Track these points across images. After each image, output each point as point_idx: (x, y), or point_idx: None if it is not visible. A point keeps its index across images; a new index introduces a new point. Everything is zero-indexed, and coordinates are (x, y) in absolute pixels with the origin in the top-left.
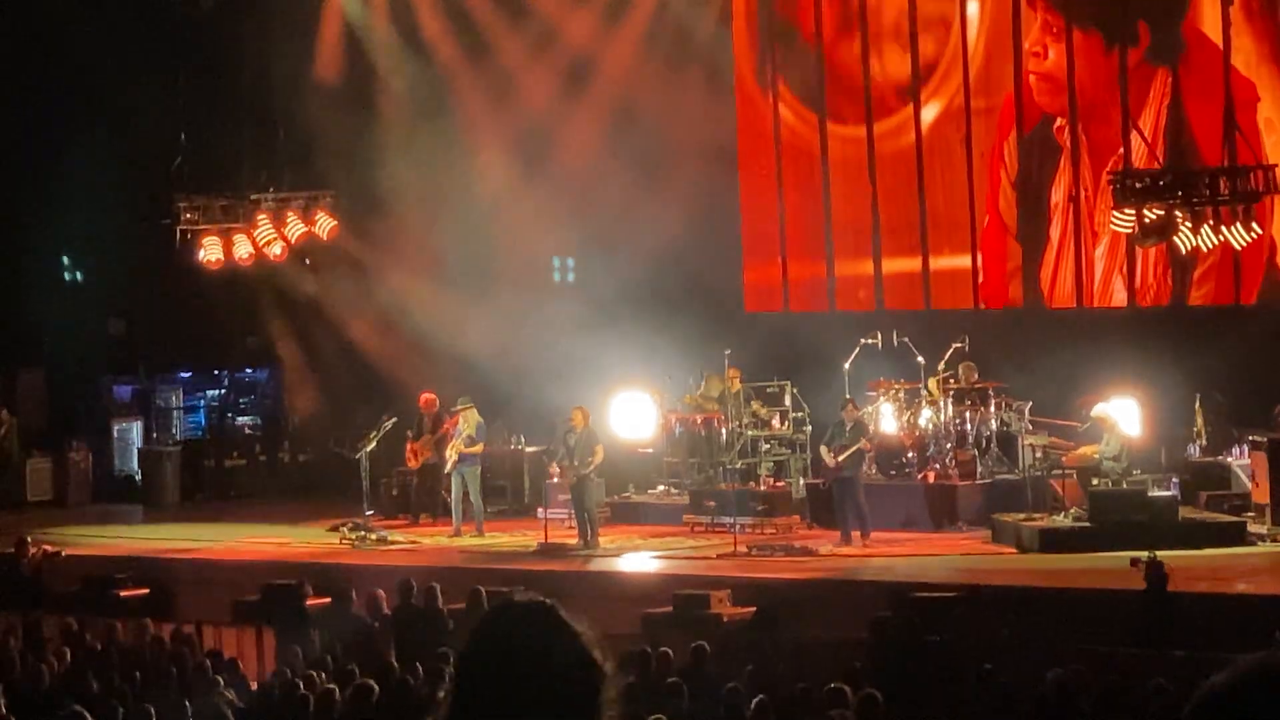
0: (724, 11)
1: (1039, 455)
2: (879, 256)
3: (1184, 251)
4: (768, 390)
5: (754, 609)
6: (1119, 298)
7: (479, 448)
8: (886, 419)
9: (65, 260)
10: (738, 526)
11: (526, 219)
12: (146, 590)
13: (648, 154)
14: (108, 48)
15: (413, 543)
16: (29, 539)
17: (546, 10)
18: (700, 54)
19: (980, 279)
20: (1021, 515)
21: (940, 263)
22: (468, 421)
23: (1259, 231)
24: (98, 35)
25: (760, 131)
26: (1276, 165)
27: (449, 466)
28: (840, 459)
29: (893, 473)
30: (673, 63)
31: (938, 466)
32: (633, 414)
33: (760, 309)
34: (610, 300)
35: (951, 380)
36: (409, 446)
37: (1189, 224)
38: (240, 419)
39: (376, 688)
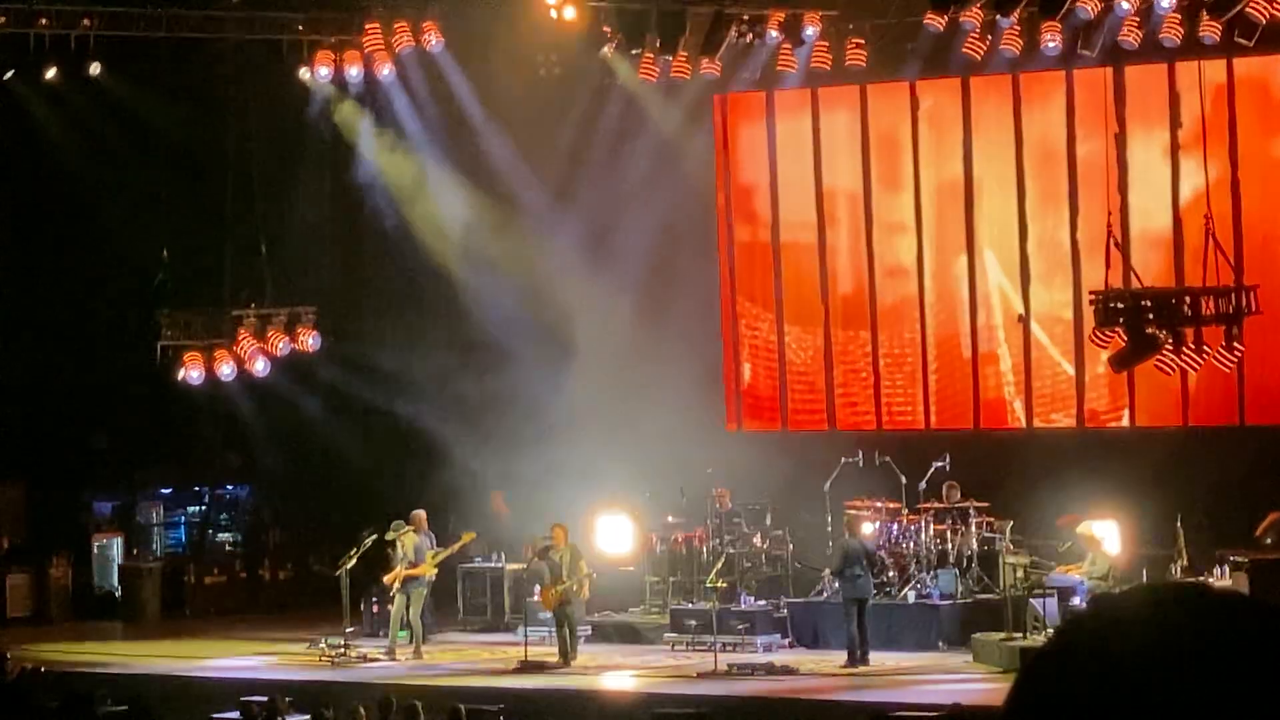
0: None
1: (1020, 575)
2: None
3: (1168, 374)
4: (750, 509)
5: None
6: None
7: (421, 569)
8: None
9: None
10: (719, 645)
11: (510, 335)
12: (126, 707)
13: (632, 270)
14: (90, 163)
15: (392, 660)
16: (8, 655)
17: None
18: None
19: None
20: (1002, 635)
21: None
22: (404, 546)
23: (1241, 352)
24: (81, 150)
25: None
26: (1258, 286)
27: (393, 591)
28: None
29: (874, 592)
30: (657, 182)
31: (918, 586)
32: (613, 532)
33: (741, 428)
34: (589, 418)
35: (934, 500)
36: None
37: (1170, 345)
38: (221, 535)
39: None
